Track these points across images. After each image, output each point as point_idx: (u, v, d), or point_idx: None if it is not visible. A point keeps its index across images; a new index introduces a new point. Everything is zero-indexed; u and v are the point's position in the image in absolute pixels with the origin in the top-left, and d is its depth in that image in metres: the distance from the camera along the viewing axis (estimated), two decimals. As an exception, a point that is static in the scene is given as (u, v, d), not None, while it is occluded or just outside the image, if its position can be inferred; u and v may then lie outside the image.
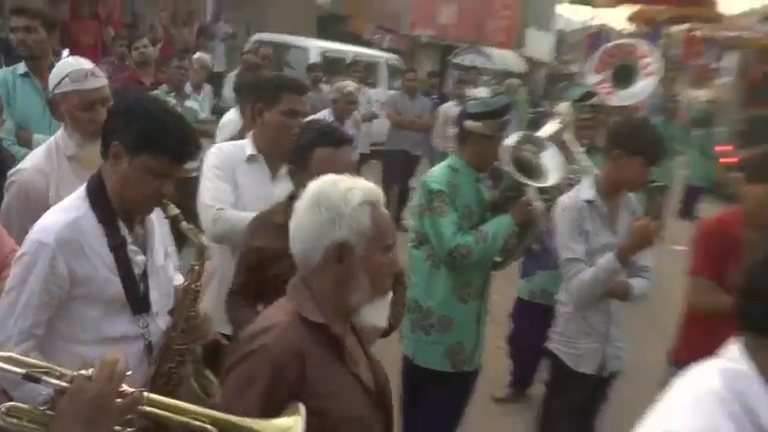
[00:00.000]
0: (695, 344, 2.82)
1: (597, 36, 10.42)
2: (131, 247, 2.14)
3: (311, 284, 1.85)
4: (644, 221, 3.25)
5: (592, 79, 8.76)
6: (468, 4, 27.26)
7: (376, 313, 1.89)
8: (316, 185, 1.87)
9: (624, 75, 8.58)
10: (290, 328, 1.79)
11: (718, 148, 12.71)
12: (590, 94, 5.01)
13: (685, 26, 12.76)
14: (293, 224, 1.87)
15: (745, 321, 1.42)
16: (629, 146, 3.27)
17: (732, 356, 1.42)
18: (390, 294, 1.97)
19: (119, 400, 1.32)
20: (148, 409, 1.37)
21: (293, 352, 1.75)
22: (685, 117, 11.97)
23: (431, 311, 3.38)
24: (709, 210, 11.00)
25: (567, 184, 3.52)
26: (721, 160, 12.54)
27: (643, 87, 8.45)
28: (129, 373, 1.34)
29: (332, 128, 2.84)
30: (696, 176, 12.06)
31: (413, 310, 3.42)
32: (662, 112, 10.00)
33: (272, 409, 1.62)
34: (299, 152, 2.65)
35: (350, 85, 7.32)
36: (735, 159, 11.83)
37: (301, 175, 2.62)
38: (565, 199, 3.40)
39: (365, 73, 12.59)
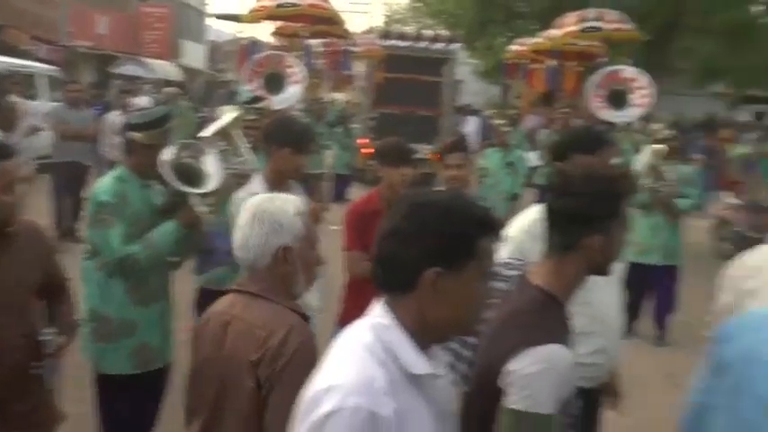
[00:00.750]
0: (354, 306, 3.03)
1: (249, 47, 10.56)
2: None
3: (264, 285, 2.02)
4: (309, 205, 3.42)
5: (247, 87, 8.95)
6: (122, 16, 25.85)
7: (313, 297, 2.27)
8: (254, 203, 2.06)
9: (274, 82, 8.94)
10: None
11: (359, 141, 13.81)
12: (258, 99, 5.12)
13: (324, 40, 13.50)
14: (238, 236, 2.03)
15: (379, 283, 1.53)
16: (279, 138, 3.42)
17: (378, 313, 1.51)
18: (316, 281, 2.19)
19: None
20: None
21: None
22: (328, 117, 12.78)
23: (110, 319, 3.17)
24: (356, 193, 11.94)
25: (237, 183, 3.56)
26: (362, 151, 13.67)
27: (292, 93, 8.89)
28: None
29: None
30: (340, 166, 12.98)
31: (92, 319, 3.19)
32: (310, 114, 10.55)
33: None
34: None
35: (12, 97, 6.60)
36: (371, 150, 12.98)
37: None
38: (240, 194, 3.41)
39: (23, 85, 11.34)
